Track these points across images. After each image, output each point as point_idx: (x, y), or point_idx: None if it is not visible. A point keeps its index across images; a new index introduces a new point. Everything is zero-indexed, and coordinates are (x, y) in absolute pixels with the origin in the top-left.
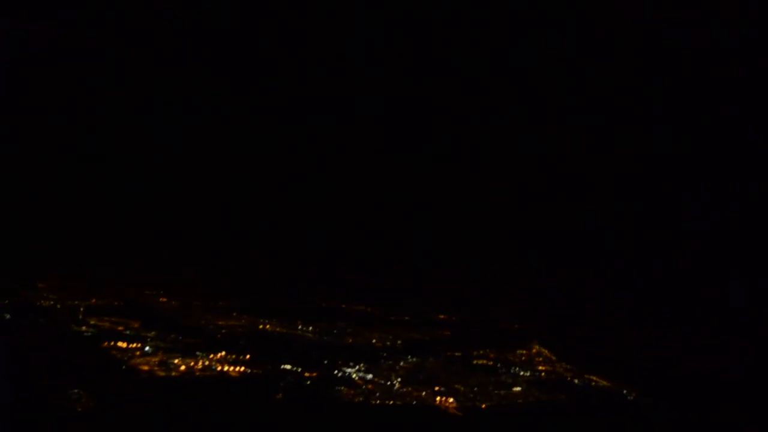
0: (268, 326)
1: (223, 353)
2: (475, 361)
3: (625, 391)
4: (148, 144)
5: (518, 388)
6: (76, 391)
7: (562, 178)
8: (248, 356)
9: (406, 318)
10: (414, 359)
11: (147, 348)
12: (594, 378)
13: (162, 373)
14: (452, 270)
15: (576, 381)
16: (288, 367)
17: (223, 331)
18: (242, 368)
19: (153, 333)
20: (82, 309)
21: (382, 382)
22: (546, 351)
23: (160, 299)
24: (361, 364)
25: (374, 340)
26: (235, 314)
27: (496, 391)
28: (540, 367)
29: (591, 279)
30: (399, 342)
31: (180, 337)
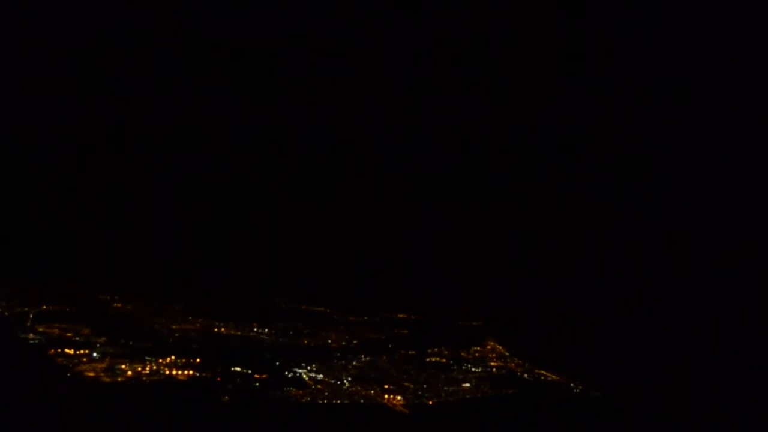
0: (223, 329)
1: (173, 357)
2: (428, 359)
3: (572, 385)
4: (95, 149)
5: (468, 384)
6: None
7: (520, 178)
8: (198, 359)
9: (365, 318)
10: (367, 358)
11: (95, 354)
12: (544, 373)
13: (108, 379)
14: (413, 270)
15: (526, 376)
16: (238, 369)
17: (176, 335)
18: (191, 372)
19: (103, 339)
20: (31, 316)
21: (333, 381)
22: (501, 348)
23: (115, 304)
24: (313, 365)
25: (330, 341)
26: (190, 318)
27: (445, 388)
28: (492, 363)
29: (554, 277)
30: (355, 342)
31: (130, 342)
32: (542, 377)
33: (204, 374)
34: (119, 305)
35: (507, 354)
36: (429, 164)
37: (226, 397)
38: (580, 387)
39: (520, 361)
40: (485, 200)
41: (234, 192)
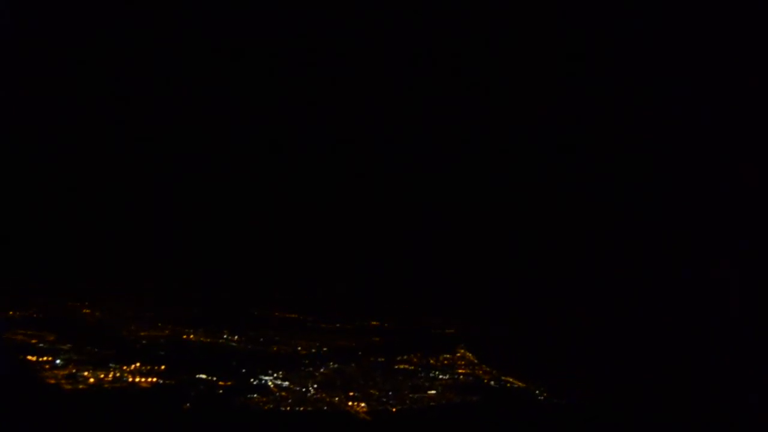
0: (191, 336)
1: (138, 364)
2: (396, 366)
3: (537, 392)
4: (65, 152)
5: (433, 391)
6: None
7: (495, 184)
8: (163, 367)
9: (337, 325)
10: (335, 365)
11: (58, 361)
12: (510, 379)
13: (69, 386)
14: (388, 277)
15: (492, 383)
16: (203, 376)
17: (144, 342)
18: (154, 379)
19: (68, 345)
20: None
21: (298, 388)
22: (470, 355)
23: (84, 311)
24: (280, 372)
25: (299, 348)
26: (159, 324)
27: (410, 395)
28: (460, 371)
29: (530, 285)
30: (325, 349)
31: (96, 349)
32: (508, 384)
33: (168, 381)
34: (88, 311)
35: (476, 361)
36: (403, 171)
37: (188, 405)
38: (545, 394)
39: (488, 369)
40: (463, 208)
41: (211, 199)
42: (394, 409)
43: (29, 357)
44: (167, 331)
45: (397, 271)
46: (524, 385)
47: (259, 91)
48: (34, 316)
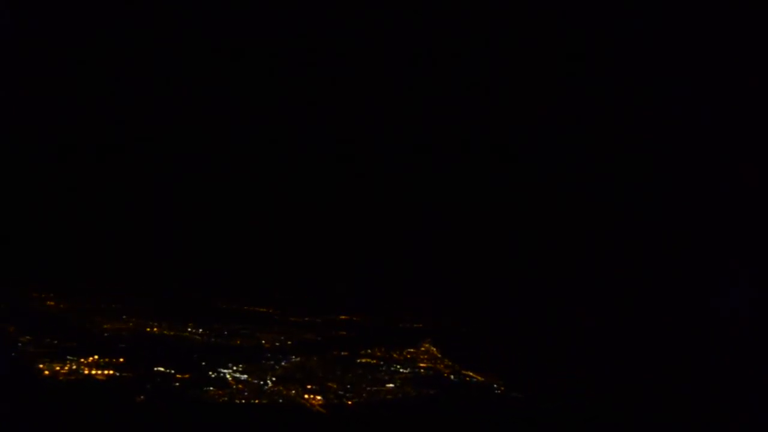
0: (155, 329)
1: (96, 357)
2: (359, 360)
3: (495, 386)
4: (34, 146)
5: (392, 385)
6: None
7: (472, 179)
8: (122, 359)
9: (306, 319)
10: (297, 359)
11: (13, 354)
12: (470, 374)
13: (21, 379)
14: (358, 270)
15: (452, 377)
16: (161, 369)
17: (106, 334)
18: (111, 371)
19: (28, 338)
20: None
21: (256, 381)
22: (434, 349)
23: (48, 302)
24: (240, 365)
25: (263, 341)
26: (124, 317)
27: (368, 388)
28: (421, 365)
29: (501, 279)
30: (289, 342)
31: (55, 342)
32: (467, 378)
33: (125, 374)
34: (52, 303)
35: (439, 356)
36: (374, 166)
37: (141, 397)
38: (502, 388)
39: (450, 363)
40: (440, 204)
41: (187, 194)
42: (350, 402)
43: None
44: (131, 324)
45: (367, 264)
46: (483, 379)
47: (240, 86)
48: None
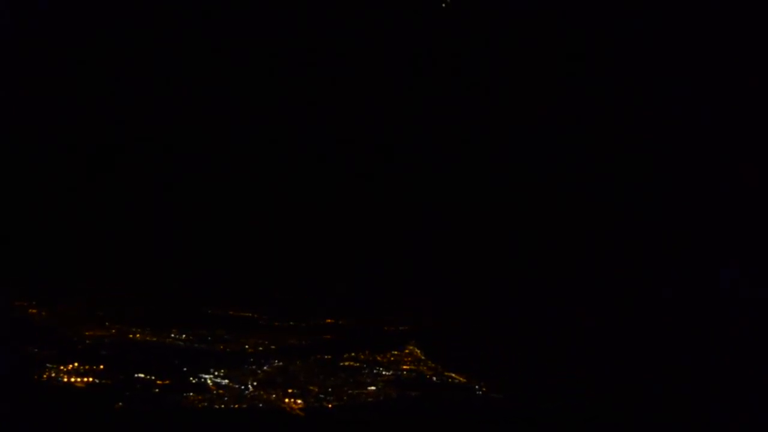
0: (138, 335)
1: (76, 364)
2: (342, 363)
3: (476, 387)
4: (15, 151)
5: (373, 387)
6: None
7: (456, 181)
8: (102, 366)
9: (291, 323)
10: (280, 363)
11: None
12: (453, 375)
13: None
14: (343, 273)
15: (434, 379)
16: (141, 375)
17: (87, 341)
18: (90, 379)
19: (8, 347)
20: None
21: (236, 386)
22: (418, 351)
23: (31, 310)
24: (222, 370)
25: (247, 346)
26: (107, 324)
27: (350, 391)
28: (405, 367)
29: (490, 280)
30: (273, 347)
31: (36, 350)
32: (450, 380)
33: (104, 381)
34: (35, 311)
35: (423, 358)
36: (359, 167)
37: (120, 404)
38: (484, 389)
39: (432, 365)
40: (425, 204)
41: (170, 197)
42: (330, 405)
43: None
44: (113, 331)
45: (352, 268)
46: (464, 381)
47: (220, 87)
48: None
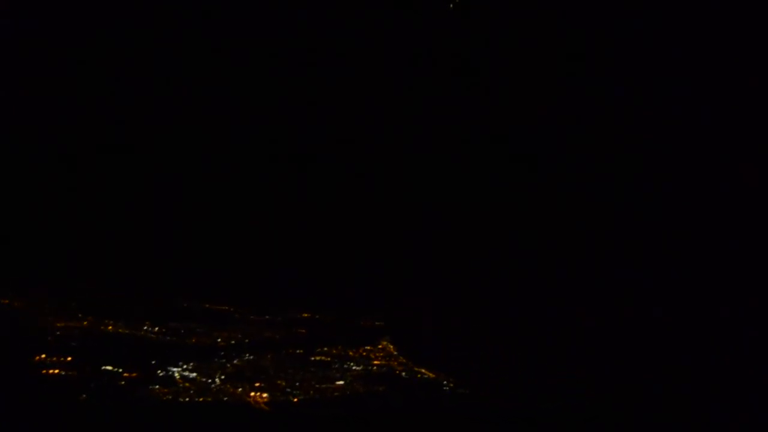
0: (110, 327)
1: (44, 356)
2: (313, 358)
3: (445, 382)
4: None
5: (341, 382)
6: None
7: (440, 178)
8: (69, 358)
9: (267, 317)
10: (250, 357)
11: None
12: (422, 371)
13: None
14: (321, 268)
15: (404, 374)
16: (109, 368)
17: (57, 333)
18: (57, 371)
19: None
20: None
21: (204, 379)
22: (391, 347)
23: (3, 300)
24: (190, 363)
25: (219, 339)
26: (80, 315)
27: (317, 386)
28: (375, 362)
29: (468, 277)
30: (246, 341)
31: (2, 340)
32: (419, 375)
33: (70, 373)
34: (6, 302)
35: (395, 353)
36: (342, 162)
37: (84, 396)
38: (451, 385)
39: (404, 360)
40: (410, 200)
41: (149, 190)
42: (295, 399)
43: None
44: (85, 323)
45: (331, 261)
46: (434, 376)
47: (205, 88)
48: None
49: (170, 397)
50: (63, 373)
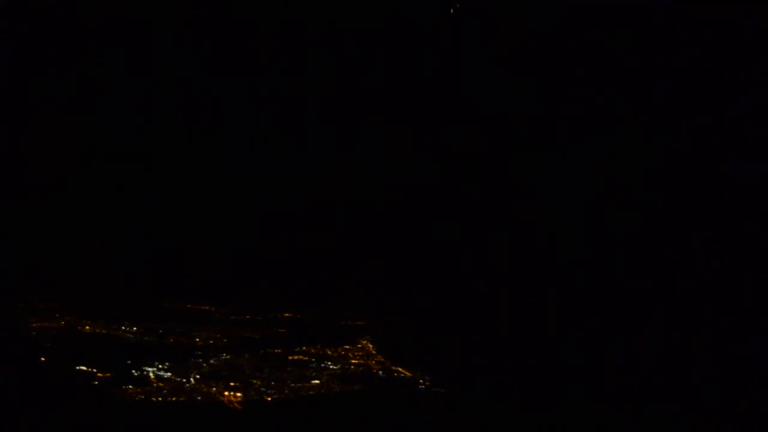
0: (87, 327)
1: (16, 356)
2: (291, 357)
3: (421, 381)
4: None
5: (317, 381)
6: None
7: (424, 179)
8: (43, 359)
9: (247, 317)
10: (228, 357)
11: None
12: (399, 369)
13: None
14: (303, 267)
15: (381, 373)
16: (83, 368)
17: (33, 333)
18: (27, 372)
19: None
20: None
21: (178, 379)
22: (370, 346)
23: None
24: (167, 363)
25: (198, 339)
26: (57, 315)
27: (292, 385)
28: (353, 361)
29: (450, 277)
30: (225, 340)
31: None
32: (396, 374)
33: (41, 374)
34: None
35: (373, 352)
36: (325, 162)
37: (54, 396)
38: (427, 383)
39: (381, 359)
40: (383, 201)
41: (133, 188)
42: (269, 399)
43: None
44: (63, 323)
45: (312, 261)
46: (411, 375)
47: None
48: None
49: (143, 396)
50: (34, 374)
